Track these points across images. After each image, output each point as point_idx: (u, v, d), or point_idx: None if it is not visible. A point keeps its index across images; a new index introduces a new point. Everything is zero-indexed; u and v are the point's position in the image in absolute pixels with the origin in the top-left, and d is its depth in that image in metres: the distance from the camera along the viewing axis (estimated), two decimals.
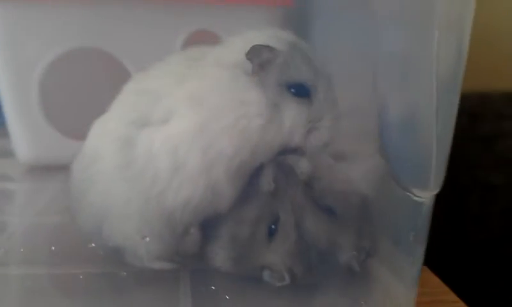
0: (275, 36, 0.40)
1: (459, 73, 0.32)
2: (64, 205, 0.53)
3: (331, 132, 0.39)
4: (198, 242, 0.41)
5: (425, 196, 0.35)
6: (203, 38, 0.62)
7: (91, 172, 0.40)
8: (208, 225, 0.40)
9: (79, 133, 0.61)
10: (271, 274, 0.38)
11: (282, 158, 0.39)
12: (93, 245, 0.41)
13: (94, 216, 0.40)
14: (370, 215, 0.40)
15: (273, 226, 0.38)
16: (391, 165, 0.36)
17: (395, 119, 0.37)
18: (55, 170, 0.60)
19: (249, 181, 0.39)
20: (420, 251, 0.37)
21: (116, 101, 0.41)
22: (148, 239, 0.39)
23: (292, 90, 0.39)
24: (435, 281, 0.47)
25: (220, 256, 0.40)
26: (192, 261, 0.41)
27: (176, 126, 0.38)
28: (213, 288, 0.39)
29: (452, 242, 0.90)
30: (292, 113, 0.38)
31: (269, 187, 0.38)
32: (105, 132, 0.40)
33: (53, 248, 0.43)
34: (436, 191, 0.35)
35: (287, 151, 0.39)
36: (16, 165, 0.63)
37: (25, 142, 0.63)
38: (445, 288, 0.45)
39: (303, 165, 0.39)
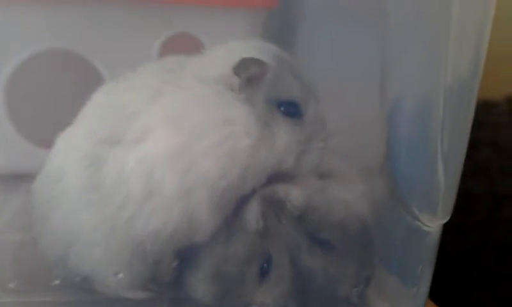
0: (260, 47, 0.37)
1: (471, 91, 0.30)
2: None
3: (322, 153, 0.37)
4: (172, 271, 0.37)
5: (433, 225, 0.33)
6: (182, 41, 0.59)
7: (55, 193, 0.36)
8: (185, 254, 0.37)
9: (49, 141, 0.59)
10: None
11: (270, 191, 0.36)
12: (57, 282, 0.37)
13: (58, 243, 0.36)
14: (370, 241, 0.37)
15: (265, 265, 0.35)
16: (398, 189, 0.34)
17: (404, 136, 0.35)
18: (20, 180, 0.57)
19: (234, 212, 0.36)
20: (426, 283, 0.35)
21: (83, 113, 0.38)
22: (121, 275, 0.36)
23: (282, 108, 0.36)
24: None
25: (200, 289, 0.36)
26: (170, 290, 0.38)
27: (152, 147, 0.34)
28: None
29: None
30: (284, 133, 0.35)
31: (257, 225, 0.35)
32: (70, 148, 0.37)
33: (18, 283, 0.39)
34: (444, 219, 0.33)
35: (273, 178, 0.36)
36: None
37: None
38: None
39: (294, 199, 0.35)
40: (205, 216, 0.34)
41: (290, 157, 0.36)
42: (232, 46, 0.37)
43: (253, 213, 0.35)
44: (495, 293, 0.89)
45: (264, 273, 0.35)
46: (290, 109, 0.36)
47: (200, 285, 0.36)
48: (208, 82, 0.36)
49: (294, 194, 0.35)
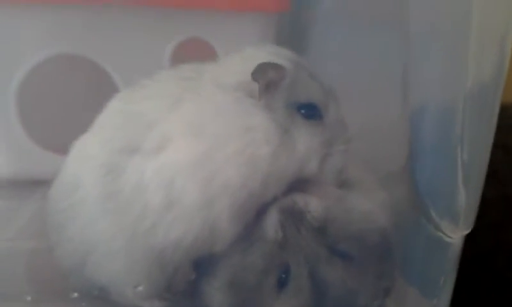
0: (276, 52, 0.37)
1: (494, 96, 0.29)
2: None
3: (346, 156, 0.36)
4: (190, 281, 0.37)
5: (455, 236, 0.33)
6: (193, 46, 0.58)
7: (71, 202, 0.36)
8: (202, 263, 0.36)
9: (60, 146, 0.58)
10: None
11: (290, 201, 0.35)
12: (75, 295, 0.37)
13: (75, 251, 0.36)
14: (390, 252, 0.36)
15: (283, 276, 0.34)
16: (420, 198, 0.33)
17: (426, 142, 0.34)
18: (33, 186, 0.57)
19: (253, 221, 0.35)
20: (447, 295, 0.34)
21: (99, 121, 0.37)
22: (140, 288, 0.35)
23: (303, 111, 0.35)
24: None
25: (217, 298, 0.36)
26: (185, 299, 0.38)
27: (172, 156, 0.33)
28: None
29: None
30: (305, 137, 0.35)
31: (276, 235, 0.34)
32: (86, 156, 0.36)
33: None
34: (466, 230, 0.32)
35: (293, 186, 0.35)
36: None
37: (1, 155, 0.58)
38: None
39: (314, 209, 0.35)
40: (226, 225, 0.34)
41: (312, 161, 0.35)
42: (247, 53, 0.37)
43: (272, 223, 0.35)
44: (507, 297, 0.88)
45: (282, 284, 0.34)
46: (310, 112, 0.35)
47: (216, 294, 0.36)
48: (227, 90, 0.35)
49: (313, 205, 0.35)
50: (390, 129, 0.38)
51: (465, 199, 0.31)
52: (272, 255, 0.35)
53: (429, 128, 0.34)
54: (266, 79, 0.34)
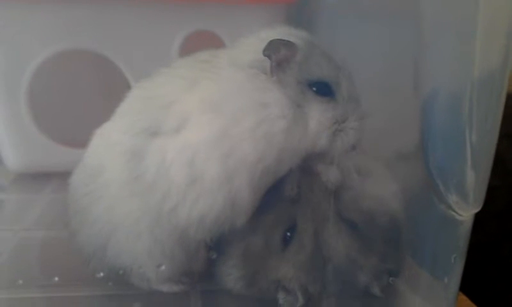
0: (290, 33, 0.37)
1: (501, 84, 0.30)
2: (57, 217, 0.50)
3: (358, 132, 0.36)
4: (207, 260, 0.38)
5: (466, 215, 0.33)
6: (202, 39, 0.59)
7: (95, 186, 0.37)
8: (218, 242, 0.37)
9: (71, 139, 0.59)
10: (285, 297, 0.36)
11: (310, 164, 0.36)
12: (101, 274, 0.37)
13: (98, 235, 0.36)
14: (398, 237, 0.37)
15: (289, 234, 0.35)
16: (432, 178, 0.34)
17: (437, 126, 0.35)
18: (45, 179, 0.58)
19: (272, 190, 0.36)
20: (458, 274, 0.35)
21: (119, 109, 0.38)
22: (163, 267, 0.36)
23: (314, 89, 0.36)
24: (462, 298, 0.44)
25: (232, 276, 0.37)
26: (201, 282, 0.38)
27: (191, 135, 0.34)
28: None
29: None
30: (317, 113, 0.35)
31: (292, 192, 0.36)
32: (109, 143, 0.37)
33: (56, 279, 0.39)
34: (476, 209, 0.33)
35: (313, 157, 0.36)
36: (3, 173, 0.60)
37: (13, 149, 0.59)
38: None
39: (331, 174, 0.36)
40: (246, 199, 0.35)
41: (323, 137, 0.36)
42: (262, 34, 0.37)
43: (289, 180, 0.36)
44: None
45: (286, 242, 0.35)
46: (322, 89, 0.36)
47: (231, 272, 0.37)
48: (242, 68, 0.36)
49: (331, 170, 0.36)
50: (401, 114, 0.39)
51: (474, 178, 0.32)
52: (282, 210, 0.36)
53: (439, 113, 0.34)
54: (278, 56, 0.35)
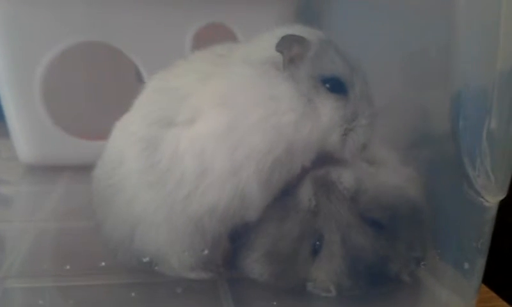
0: (304, 30, 0.37)
1: None
2: (73, 208, 0.51)
3: (368, 131, 0.36)
4: (229, 253, 0.39)
5: (493, 201, 0.34)
6: (214, 32, 0.59)
7: (117, 178, 0.37)
8: (240, 235, 0.38)
9: (84, 131, 0.60)
10: (315, 285, 0.36)
11: (323, 172, 0.36)
12: (147, 259, 0.38)
13: (123, 224, 0.37)
14: (421, 223, 0.37)
15: (318, 243, 0.36)
16: (463, 165, 0.34)
17: (466, 116, 0.35)
18: (60, 171, 0.58)
19: (287, 192, 0.36)
20: (483, 259, 0.35)
21: (137, 101, 0.39)
22: (186, 253, 0.37)
23: (327, 85, 0.36)
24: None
25: (256, 269, 0.37)
26: (229, 271, 0.39)
27: (203, 126, 0.35)
28: (274, 303, 0.36)
29: None
30: (328, 109, 0.36)
31: (309, 203, 0.36)
32: (127, 133, 0.38)
33: (68, 267, 0.40)
34: (502, 196, 0.33)
35: (326, 160, 0.37)
36: (17, 166, 0.60)
37: (27, 141, 0.59)
38: (492, 294, 0.44)
39: (346, 181, 0.36)
40: (255, 191, 0.35)
41: (335, 134, 0.36)
42: (277, 31, 0.38)
43: (305, 193, 0.36)
44: None
45: (316, 251, 0.36)
46: (335, 86, 0.36)
47: (255, 266, 0.37)
48: (255, 64, 0.36)
49: (345, 176, 0.36)
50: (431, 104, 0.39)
51: (500, 164, 0.32)
52: (305, 223, 0.36)
53: (467, 103, 0.35)
54: (290, 51, 0.36)
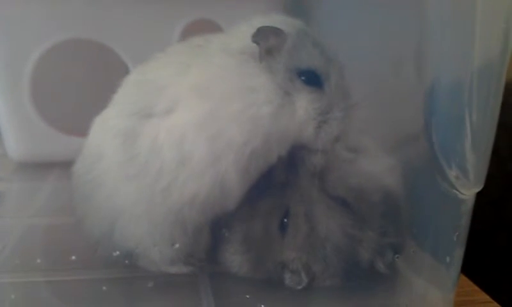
0: (283, 21, 0.38)
1: (500, 69, 0.31)
2: (62, 204, 0.51)
3: (342, 124, 0.37)
4: (209, 245, 0.39)
5: (468, 193, 0.34)
6: (202, 28, 0.60)
7: (96, 173, 0.38)
8: (218, 227, 0.38)
9: (73, 128, 0.60)
10: (290, 277, 0.37)
11: (294, 150, 0.37)
12: (118, 253, 0.38)
13: (103, 220, 0.37)
14: (397, 211, 0.38)
15: (285, 220, 0.37)
16: (436, 157, 0.35)
17: (440, 109, 0.36)
18: (48, 168, 0.59)
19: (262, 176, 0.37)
20: (460, 252, 0.36)
21: (116, 95, 0.39)
22: (177, 245, 0.37)
23: (303, 78, 0.36)
24: (463, 279, 0.44)
25: (236, 261, 0.38)
26: (209, 265, 0.39)
27: (181, 117, 0.35)
28: (247, 296, 0.37)
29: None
30: (305, 102, 0.36)
31: (280, 177, 0.37)
32: (106, 128, 0.38)
33: (74, 257, 0.40)
34: (478, 188, 0.34)
35: (298, 148, 0.37)
36: (6, 163, 0.61)
37: (16, 138, 0.60)
38: (475, 287, 0.44)
39: (314, 159, 0.37)
40: (233, 181, 0.35)
41: (310, 126, 0.36)
42: (255, 20, 0.38)
43: (277, 167, 0.37)
44: (508, 272, 0.89)
45: (284, 227, 0.37)
46: (310, 79, 0.37)
47: (234, 258, 0.38)
48: (233, 54, 0.37)
49: (313, 156, 0.37)
50: (405, 98, 0.40)
51: (475, 157, 0.33)
52: (275, 198, 0.37)
53: (441, 97, 0.35)
54: (267, 42, 0.36)
